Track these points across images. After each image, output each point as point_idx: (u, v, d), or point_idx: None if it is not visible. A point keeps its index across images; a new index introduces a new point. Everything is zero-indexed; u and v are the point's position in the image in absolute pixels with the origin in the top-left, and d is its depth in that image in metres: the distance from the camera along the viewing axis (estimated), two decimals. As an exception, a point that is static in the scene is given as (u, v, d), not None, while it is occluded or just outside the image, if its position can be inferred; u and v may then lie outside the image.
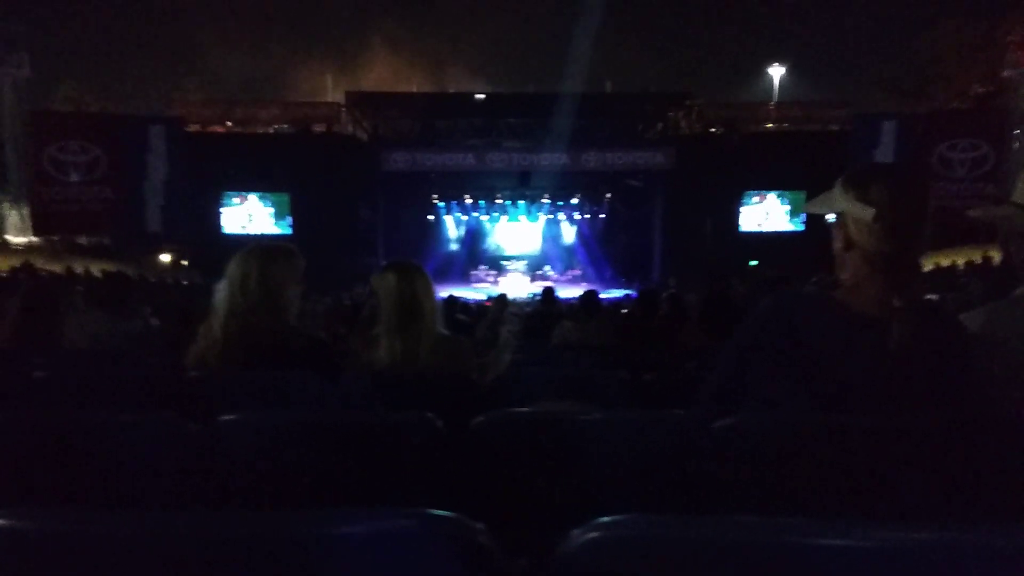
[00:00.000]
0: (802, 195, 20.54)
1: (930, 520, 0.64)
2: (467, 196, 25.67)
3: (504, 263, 27.11)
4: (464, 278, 25.36)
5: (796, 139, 21.64)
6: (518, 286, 23.28)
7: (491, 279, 25.74)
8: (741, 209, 22.07)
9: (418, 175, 22.88)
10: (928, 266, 15.71)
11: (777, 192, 21.85)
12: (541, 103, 22.00)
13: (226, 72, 39.95)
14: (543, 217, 27.33)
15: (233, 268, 2.29)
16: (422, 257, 20.94)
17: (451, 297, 9.20)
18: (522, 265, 26.99)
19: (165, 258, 24.52)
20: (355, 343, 2.51)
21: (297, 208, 21.49)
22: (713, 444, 1.34)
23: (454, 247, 27.30)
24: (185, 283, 17.75)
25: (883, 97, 30.84)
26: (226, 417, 1.44)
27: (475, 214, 26.87)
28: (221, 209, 21.48)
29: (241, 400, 1.98)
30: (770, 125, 23.43)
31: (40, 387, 2.15)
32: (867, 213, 1.43)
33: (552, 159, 21.72)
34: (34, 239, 22.59)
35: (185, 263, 23.06)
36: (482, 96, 23.49)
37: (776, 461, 1.32)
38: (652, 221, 23.91)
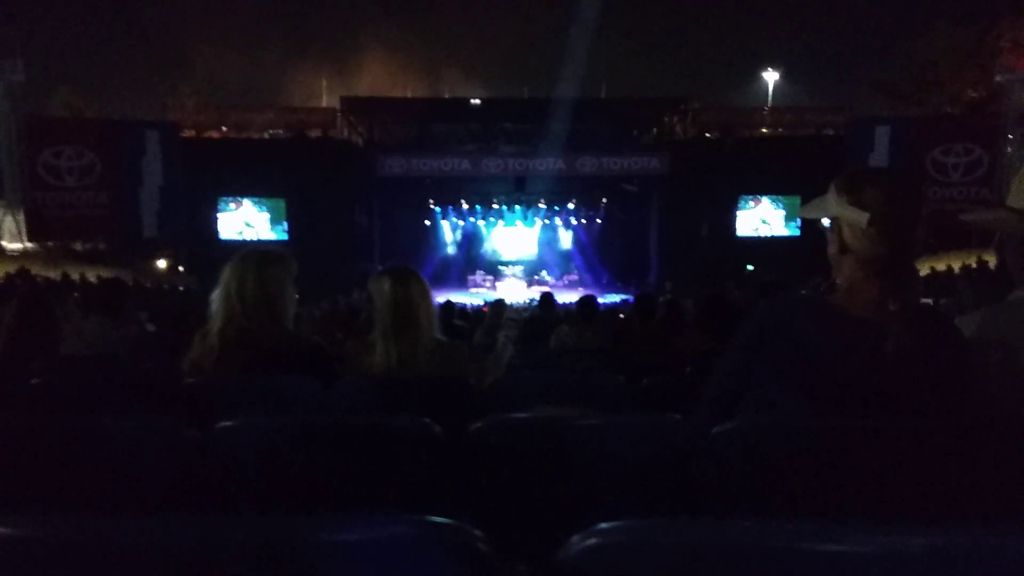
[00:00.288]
0: (797, 199, 20.63)
1: (929, 523, 0.64)
2: (463, 201, 25.70)
3: (501, 268, 27.11)
4: (461, 283, 25.37)
5: (791, 144, 21.76)
6: (515, 291, 23.28)
7: (488, 284, 25.74)
8: (737, 214, 22.13)
9: (414, 180, 22.92)
10: (923, 270, 15.75)
11: (772, 197, 21.94)
12: (537, 108, 22.04)
13: (221, 77, 39.88)
14: (539, 222, 27.36)
15: (229, 274, 2.29)
16: (419, 262, 20.90)
17: (448, 302, 9.20)
18: (519, 270, 26.99)
19: (161, 264, 24.44)
20: (352, 348, 2.51)
21: (293, 213, 21.50)
22: (712, 448, 1.34)
23: (451, 252, 27.30)
24: (181, 288, 17.71)
25: (877, 102, 30.95)
26: (224, 423, 1.43)
27: (471, 219, 26.89)
28: (217, 215, 21.47)
29: (239, 405, 1.98)
30: (765, 130, 23.56)
31: (37, 393, 2.15)
32: (862, 218, 1.44)
33: (548, 164, 21.78)
34: (30, 245, 22.51)
35: (181, 269, 23.01)
36: (478, 101, 23.52)
37: (775, 465, 1.32)
38: (648, 226, 23.97)
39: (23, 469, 1.39)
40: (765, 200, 22.08)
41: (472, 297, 21.19)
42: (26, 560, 0.68)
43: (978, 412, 1.43)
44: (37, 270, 17.01)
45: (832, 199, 1.51)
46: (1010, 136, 21.45)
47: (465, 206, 25.97)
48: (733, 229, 22.17)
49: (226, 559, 0.68)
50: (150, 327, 5.06)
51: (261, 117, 23.18)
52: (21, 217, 21.32)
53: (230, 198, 21.58)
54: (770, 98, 31.94)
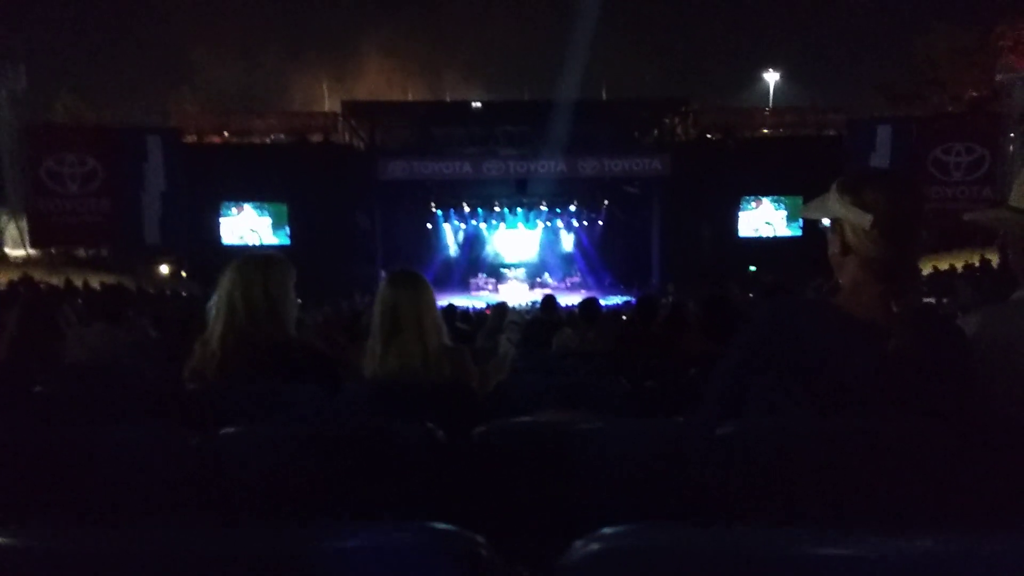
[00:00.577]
0: (799, 200, 20.61)
1: (932, 526, 0.64)
2: (465, 204, 25.71)
3: (503, 271, 27.14)
4: (463, 286, 25.39)
5: (792, 144, 21.71)
6: (517, 294, 23.30)
7: (490, 287, 25.77)
8: (739, 215, 22.11)
9: (415, 184, 22.92)
10: (926, 270, 15.74)
11: (774, 197, 21.91)
12: (537, 110, 22.03)
13: (222, 83, 40.02)
14: (541, 224, 27.38)
15: (232, 279, 2.27)
16: (420, 266, 20.89)
17: (450, 305, 9.21)
18: (521, 273, 27.01)
19: (164, 269, 24.49)
20: (353, 353, 2.50)
21: (295, 218, 21.51)
22: (716, 451, 1.33)
23: (453, 255, 27.32)
24: (184, 294, 17.73)
25: (878, 102, 30.93)
26: (226, 430, 1.43)
27: (473, 222, 26.91)
28: (220, 220, 21.49)
29: (241, 412, 1.98)
30: (766, 131, 23.51)
31: (40, 401, 2.15)
32: (864, 219, 1.43)
33: (549, 166, 21.76)
34: (32, 252, 22.56)
35: (184, 274, 23.04)
36: (479, 104, 23.51)
37: (779, 467, 1.31)
38: (650, 227, 23.94)
39: (26, 477, 1.39)
40: (767, 201, 22.05)
41: (474, 300, 21.20)
42: (27, 570, 0.68)
43: (980, 413, 1.43)
44: (40, 277, 17.02)
45: (834, 200, 1.51)
46: (1011, 135, 21.41)
47: (467, 209, 25.98)
48: (735, 230, 22.14)
49: (229, 567, 0.68)
50: (153, 333, 5.06)
51: (263, 122, 23.19)
52: (24, 224, 21.36)
53: (232, 203, 21.59)
54: (771, 99, 31.99)
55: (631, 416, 2.18)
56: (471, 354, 2.60)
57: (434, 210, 25.80)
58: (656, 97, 26.88)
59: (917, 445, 1.29)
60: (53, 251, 22.85)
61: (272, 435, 1.49)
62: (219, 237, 21.37)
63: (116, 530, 0.71)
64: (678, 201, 21.61)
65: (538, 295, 13.83)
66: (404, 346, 2.30)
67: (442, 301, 7.36)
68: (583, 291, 22.72)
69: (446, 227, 26.92)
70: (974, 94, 29.01)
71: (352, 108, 23.68)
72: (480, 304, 17.73)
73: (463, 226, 27.12)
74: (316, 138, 22.00)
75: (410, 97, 33.54)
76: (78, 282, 16.01)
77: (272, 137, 22.98)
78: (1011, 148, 21.34)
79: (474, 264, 27.43)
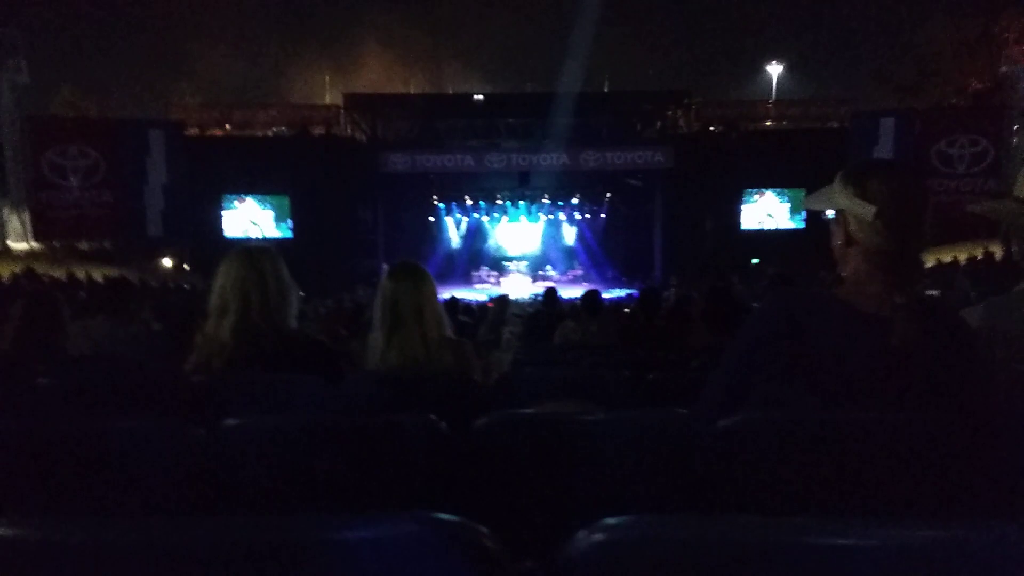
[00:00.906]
0: (802, 192, 20.55)
1: (937, 517, 0.64)
2: (467, 197, 25.69)
3: (505, 264, 27.12)
4: (466, 279, 25.39)
5: (795, 137, 21.66)
6: (520, 287, 23.29)
7: (492, 280, 25.76)
8: (742, 207, 22.07)
9: (418, 176, 22.89)
10: (929, 262, 15.70)
11: (777, 190, 21.87)
12: (539, 103, 22.01)
13: (223, 76, 39.96)
14: (543, 217, 27.35)
15: (240, 268, 2.26)
16: (423, 258, 20.85)
17: (452, 298, 9.23)
18: (523, 266, 26.99)
19: (166, 262, 24.50)
20: (355, 346, 2.51)
21: (297, 210, 21.51)
22: (718, 443, 1.33)
23: (455, 248, 27.32)
24: (187, 287, 17.75)
25: (881, 94, 30.80)
26: (230, 421, 1.43)
27: (475, 215, 26.89)
28: (222, 212, 21.50)
29: (245, 404, 1.98)
30: (769, 123, 23.46)
31: (43, 393, 2.15)
32: (867, 211, 1.43)
33: (551, 159, 21.74)
34: (35, 245, 22.60)
35: (186, 267, 23.06)
36: (481, 97, 23.49)
37: (782, 460, 1.31)
38: (652, 220, 23.91)
39: (30, 470, 1.39)
40: (770, 193, 22.01)
41: (476, 293, 21.20)
42: (33, 562, 0.69)
43: (984, 405, 1.42)
44: (43, 270, 17.07)
45: (838, 191, 1.51)
46: (1015, 127, 21.33)
47: (469, 202, 25.96)
48: (738, 222, 22.10)
49: (232, 559, 0.68)
50: (156, 325, 5.07)
51: (264, 115, 23.17)
52: (26, 217, 21.39)
53: (234, 196, 21.58)
54: (774, 91, 31.84)
55: (634, 408, 2.18)
56: (473, 347, 2.60)
57: (436, 203, 25.78)
58: (659, 89, 26.82)
59: (920, 438, 1.28)
60: (56, 244, 22.89)
61: (276, 427, 1.49)
62: (221, 230, 21.37)
63: (121, 522, 0.71)
64: (681, 193, 21.57)
65: (540, 288, 13.83)
66: (405, 338, 2.30)
67: (444, 294, 7.37)
68: (585, 284, 22.71)
69: (448, 220, 26.90)
70: (978, 86, 28.85)
71: (354, 101, 23.66)
72: (482, 297, 17.72)
73: (465, 219, 27.11)
74: (318, 131, 22.00)
75: (411, 89, 33.49)
76: (81, 275, 16.05)
77: (274, 130, 22.97)
78: (1015, 140, 21.28)
79: (476, 257, 27.41)
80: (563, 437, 1.44)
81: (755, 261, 20.33)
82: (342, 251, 20.53)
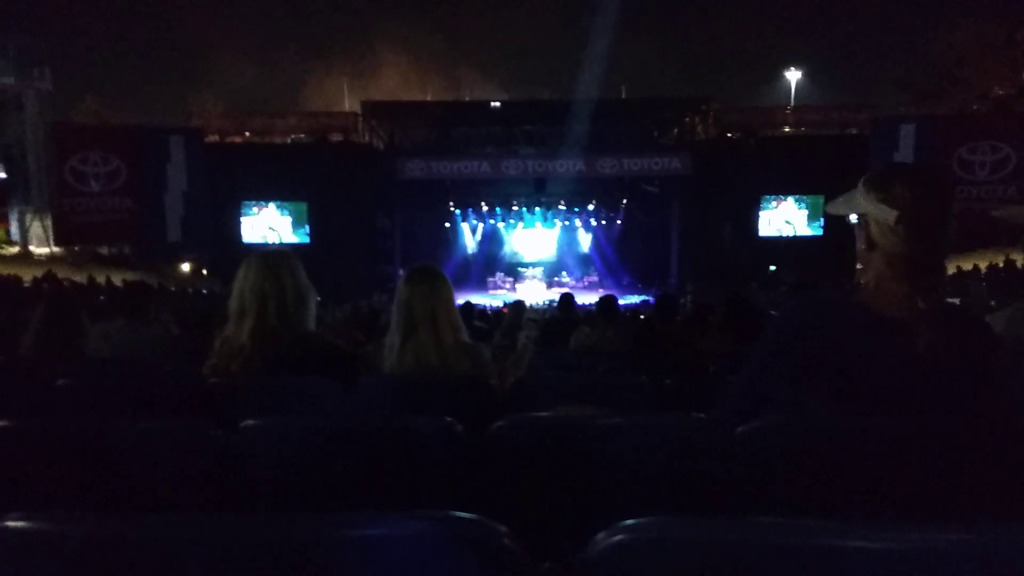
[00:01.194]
0: (820, 199, 20.44)
1: (957, 522, 0.63)
2: (483, 203, 25.77)
3: (521, 270, 27.18)
4: (481, 285, 25.46)
5: (814, 143, 21.52)
6: (535, 293, 23.30)
7: (508, 286, 25.82)
8: (760, 214, 21.94)
9: (434, 183, 23.00)
10: (950, 269, 15.54)
11: (795, 196, 21.72)
12: (556, 110, 22.01)
13: (244, 84, 40.40)
14: (559, 223, 27.36)
15: (258, 273, 2.27)
16: (439, 264, 20.79)
17: (468, 304, 9.23)
18: (539, 272, 27.02)
19: (185, 267, 24.78)
20: (372, 350, 2.51)
21: (315, 217, 21.66)
22: (737, 448, 1.32)
23: (471, 254, 27.39)
24: (205, 292, 17.92)
25: (901, 100, 30.55)
26: (248, 423, 1.44)
27: (491, 221, 26.97)
28: (241, 219, 21.68)
29: (263, 406, 1.99)
30: (788, 129, 23.31)
31: (63, 395, 2.17)
32: (889, 215, 1.41)
33: (568, 166, 21.72)
34: (57, 249, 22.91)
35: (205, 272, 23.28)
36: (498, 104, 23.53)
37: (800, 465, 1.30)
38: (669, 227, 23.84)
39: (51, 470, 1.41)
40: (788, 200, 21.87)
41: (492, 299, 21.23)
42: (53, 556, 0.69)
43: (1009, 411, 1.40)
44: (64, 274, 17.29)
45: (861, 195, 1.49)
46: (1038, 134, 21.06)
47: (485, 208, 26.05)
48: (756, 229, 21.97)
49: (252, 557, 0.68)
50: (175, 329, 5.11)
51: (283, 122, 23.38)
52: (49, 222, 21.68)
53: (253, 202, 21.77)
54: (792, 97, 31.68)
55: (650, 413, 2.17)
56: (489, 352, 2.59)
57: (453, 209, 25.89)
58: (676, 96, 26.77)
59: (945, 443, 1.27)
60: (77, 249, 23.18)
61: (293, 429, 1.50)
62: (240, 236, 21.54)
63: (140, 519, 0.71)
64: (698, 200, 21.48)
65: (556, 294, 13.81)
66: (420, 342, 2.29)
67: (460, 299, 7.38)
68: (601, 290, 22.65)
69: (464, 226, 27.00)
70: (1000, 92, 28.57)
71: (371, 108, 23.81)
72: (497, 303, 17.74)
73: (481, 225, 27.20)
74: (336, 138, 22.16)
75: (429, 96, 33.65)
76: (101, 279, 16.23)
77: (292, 137, 23.16)
78: (1037, 147, 21.00)
79: (492, 263, 27.48)
80: (579, 441, 1.44)
81: (772, 268, 20.20)
82: (359, 257, 20.63)
